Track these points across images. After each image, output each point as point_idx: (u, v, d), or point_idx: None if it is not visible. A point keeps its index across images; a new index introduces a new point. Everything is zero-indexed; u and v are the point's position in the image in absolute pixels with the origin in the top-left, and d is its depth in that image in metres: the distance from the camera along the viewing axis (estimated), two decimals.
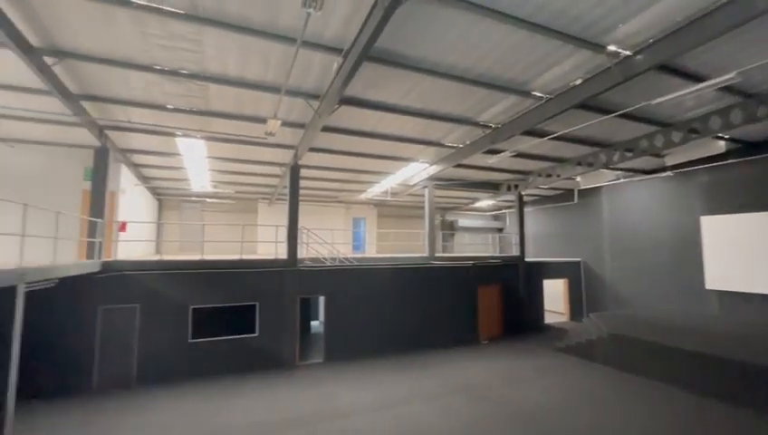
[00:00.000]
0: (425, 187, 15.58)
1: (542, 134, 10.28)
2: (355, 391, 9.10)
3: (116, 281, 9.62)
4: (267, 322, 11.04)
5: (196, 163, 12.83)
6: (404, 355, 12.08)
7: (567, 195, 19.60)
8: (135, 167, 13.61)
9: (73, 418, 7.66)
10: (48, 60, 6.39)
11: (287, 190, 12.41)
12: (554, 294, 18.55)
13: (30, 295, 6.28)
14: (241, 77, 7.37)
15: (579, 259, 18.60)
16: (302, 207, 12.79)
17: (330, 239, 14.31)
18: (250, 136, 10.13)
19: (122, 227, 11.58)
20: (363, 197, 19.66)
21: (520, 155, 12.15)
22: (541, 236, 21.88)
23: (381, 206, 23.75)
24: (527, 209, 21.55)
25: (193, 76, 7.26)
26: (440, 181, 15.64)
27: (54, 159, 11.10)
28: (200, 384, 9.54)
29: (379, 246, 23.49)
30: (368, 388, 9.27)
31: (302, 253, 12.57)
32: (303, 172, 13.30)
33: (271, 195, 19.37)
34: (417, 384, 9.51)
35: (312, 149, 11.21)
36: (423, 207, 16.44)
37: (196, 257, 11.06)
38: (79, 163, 11.14)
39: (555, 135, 10.08)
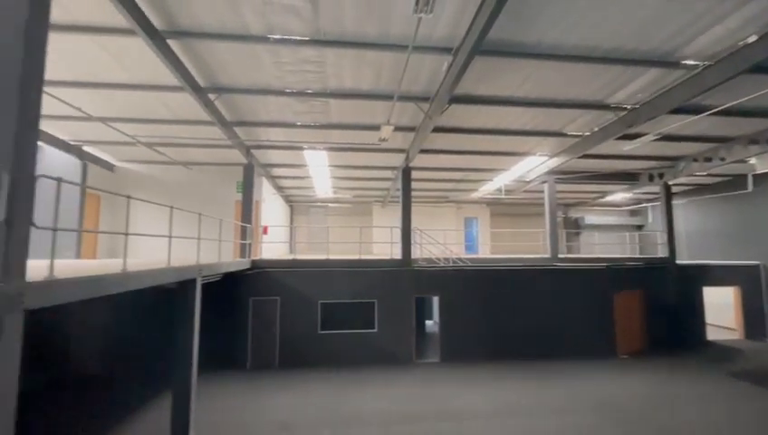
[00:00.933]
0: (544, 182, 14.35)
1: (696, 110, 8.48)
2: (474, 394, 8.88)
3: (261, 277, 11.32)
4: (385, 319, 11.60)
5: (320, 172, 14.27)
6: (524, 362, 11.31)
7: (736, 182, 15.71)
8: (272, 178, 15.83)
9: (234, 388, 9.28)
10: (211, 96, 7.90)
11: (399, 192, 12.86)
12: (720, 305, 15.06)
13: (203, 287, 7.83)
14: (356, 89, 7.92)
15: (758, 262, 14.75)
16: (414, 208, 13.08)
17: (442, 240, 14.30)
18: (365, 143, 10.81)
19: (265, 230, 13.58)
20: (475, 196, 19.12)
21: (666, 138, 10.25)
22: (696, 234, 18.05)
23: (495, 204, 22.73)
24: (676, 202, 17.99)
25: (316, 94, 8.09)
26: (562, 175, 14.21)
27: (215, 176, 13.64)
28: (329, 372, 10.53)
29: (494, 246, 22.50)
30: (487, 392, 8.96)
31: (416, 253, 12.84)
32: (414, 174, 13.60)
33: (384, 197, 20.32)
34: (541, 395, 8.79)
35: (423, 151, 11.38)
36: (542, 205, 15.14)
37: (322, 257, 12.27)
38: (232, 179, 13.45)
39: (717, 110, 8.21)
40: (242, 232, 11.58)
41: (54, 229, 3.63)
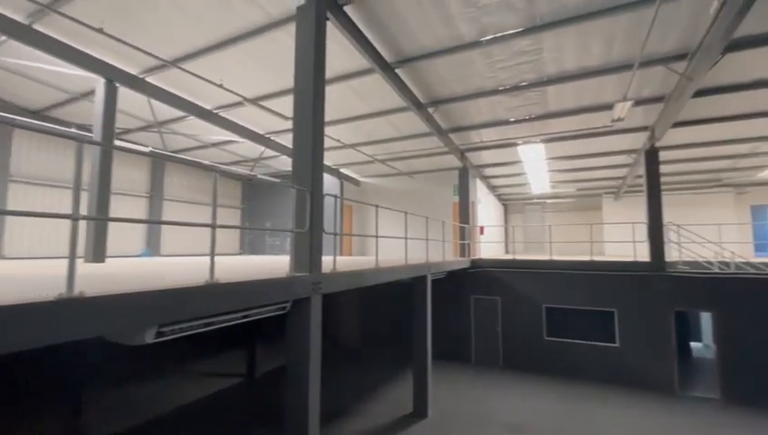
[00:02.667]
0: None
1: None
2: None
3: (481, 276, 11.55)
4: (630, 333, 9.67)
5: (536, 167, 13.35)
6: None
7: None
8: (485, 179, 15.95)
9: (462, 380, 9.80)
10: (430, 109, 8.69)
11: (639, 181, 10.49)
12: None
13: (432, 283, 8.66)
14: (580, 68, 6.99)
15: None
16: (667, 199, 10.36)
17: (716, 238, 10.74)
18: (591, 128, 9.41)
19: (481, 230, 13.83)
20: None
21: None
22: None
23: None
24: None
25: (531, 85, 7.62)
26: None
27: (434, 181, 14.88)
28: (558, 382, 9.65)
29: None
30: None
31: (672, 254, 10.15)
32: (663, 155, 10.81)
33: (618, 188, 17.08)
34: None
35: (677, 124, 8.90)
36: None
37: (545, 257, 11.41)
38: (450, 183, 14.34)
39: None
40: (460, 232, 12.17)
41: (335, 234, 4.82)
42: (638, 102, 7.89)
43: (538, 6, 5.36)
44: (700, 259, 9.96)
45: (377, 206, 5.96)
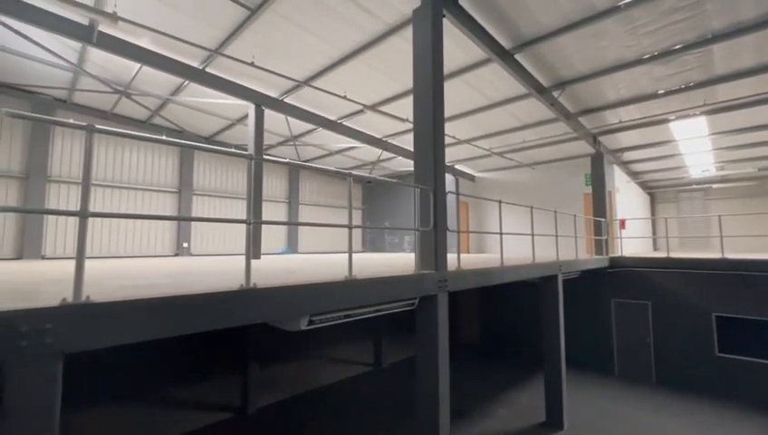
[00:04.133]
0: None
1: None
2: None
3: (624, 276, 10.04)
4: None
5: (695, 145, 11.00)
6: None
7: None
8: (624, 165, 13.80)
9: (603, 393, 8.67)
10: (555, 93, 7.91)
11: None
12: None
13: (563, 284, 7.88)
14: (763, 15, 5.48)
15: None
16: None
17: None
18: None
19: (622, 224, 12.01)
20: None
21: None
22: None
23: None
24: None
25: (689, 47, 6.29)
26: None
27: (559, 172, 13.52)
28: (736, 409, 7.76)
29: None
30: None
31: None
32: None
33: None
34: None
35: None
36: None
37: (714, 256, 9.31)
38: (579, 171, 12.85)
39: None
40: (595, 227, 10.79)
41: (458, 232, 4.78)
42: None
43: None
44: None
45: (500, 201, 5.70)
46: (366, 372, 10.63)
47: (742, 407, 7.93)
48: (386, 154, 12.36)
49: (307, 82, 7.69)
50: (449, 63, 6.87)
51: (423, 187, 4.36)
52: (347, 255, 3.66)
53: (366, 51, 6.56)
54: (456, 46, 6.24)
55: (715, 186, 16.92)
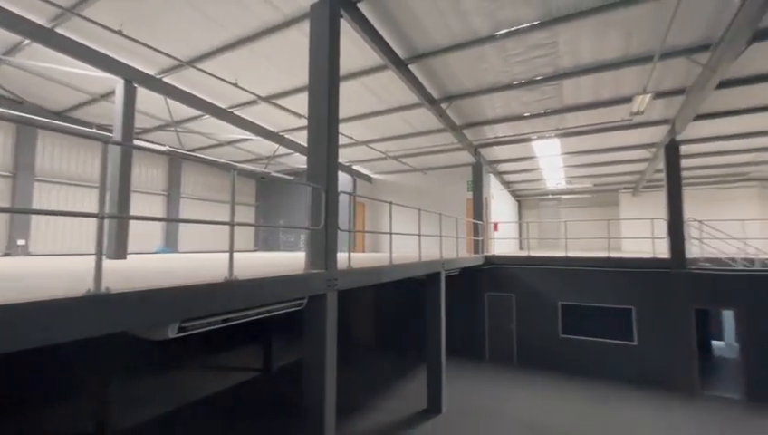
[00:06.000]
0: None
1: None
2: None
3: (495, 273, 11.46)
4: (648, 331, 9.49)
5: (551, 162, 13.15)
6: None
7: None
8: (499, 174, 15.77)
9: (476, 376, 9.77)
10: (443, 105, 8.62)
11: (659, 175, 10.23)
12: None
13: (445, 279, 8.63)
14: (598, 61, 6.84)
15: None
16: (688, 194, 10.08)
17: (739, 234, 10.41)
18: (609, 121, 9.22)
19: (495, 226, 13.70)
20: None
21: None
22: None
23: None
24: None
25: (546, 79, 7.48)
26: None
27: (447, 177, 14.78)
28: (574, 380, 9.54)
29: None
30: None
31: (693, 251, 9.89)
32: (684, 149, 10.51)
33: (636, 183, 16.69)
34: None
35: (699, 117, 8.65)
36: None
37: (561, 254, 11.25)
38: (463, 179, 14.23)
39: None
40: (474, 229, 12.09)
41: (350, 231, 4.84)
42: (657, 95, 7.68)
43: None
44: (722, 256, 9.67)
45: (390, 202, 5.97)
46: (254, 378, 10.06)
47: (581, 377, 9.77)
48: (283, 149, 11.89)
49: (191, 62, 6.92)
50: (348, 64, 6.94)
51: (315, 185, 4.31)
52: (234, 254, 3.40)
53: (261, 39, 6.19)
54: (355, 47, 6.32)
55: (564, 196, 20.51)
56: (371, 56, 6.56)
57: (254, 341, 10.35)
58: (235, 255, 3.36)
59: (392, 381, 9.59)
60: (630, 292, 9.76)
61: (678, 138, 9.80)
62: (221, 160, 12.48)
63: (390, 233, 5.87)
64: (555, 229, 20.53)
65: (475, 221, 12.07)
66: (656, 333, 9.40)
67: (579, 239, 17.31)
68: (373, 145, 11.65)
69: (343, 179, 14.36)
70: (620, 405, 8.14)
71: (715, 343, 12.97)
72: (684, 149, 10.41)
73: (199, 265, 5.51)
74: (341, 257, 4.96)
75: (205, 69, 7.10)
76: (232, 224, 3.28)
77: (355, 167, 14.97)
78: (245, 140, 11.36)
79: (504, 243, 16.58)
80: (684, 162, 10.71)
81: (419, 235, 6.92)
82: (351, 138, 10.84)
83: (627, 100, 7.91)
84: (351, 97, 8.38)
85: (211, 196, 14.35)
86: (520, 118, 9.52)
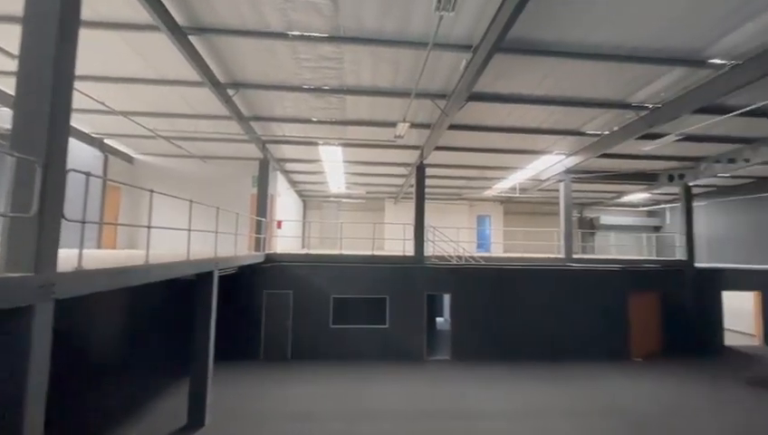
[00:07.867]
0: (560, 181, 14.15)
1: (721, 110, 8.24)
2: (485, 393, 8.88)
3: (275, 270, 11.46)
4: (396, 315, 11.64)
5: (334, 167, 14.31)
6: (536, 362, 11.24)
7: (761, 184, 15.28)
8: (286, 173, 15.95)
9: (248, 378, 9.46)
10: (230, 91, 7.99)
11: (413, 189, 12.84)
12: (739, 310, 14.74)
13: (220, 279, 7.97)
14: (374, 86, 7.91)
15: None
16: (428, 206, 13.04)
17: (455, 237, 14.25)
18: (380, 140, 10.82)
19: (278, 224, 13.72)
20: (489, 193, 18.97)
21: (688, 138, 10.00)
22: (716, 237, 17.61)
23: (508, 202, 22.53)
24: (696, 204, 17.50)
25: (333, 91, 8.10)
26: (578, 174, 13.98)
27: (231, 170, 13.78)
28: (341, 365, 10.65)
29: (506, 245, 22.31)
30: (498, 392, 8.94)
31: (429, 250, 12.83)
32: (428, 171, 13.54)
33: (397, 194, 20.30)
34: (553, 396, 8.74)
35: (438, 148, 11.32)
36: (557, 204, 14.96)
37: (335, 252, 12.35)
38: (248, 173, 13.58)
39: (743, 110, 7.96)
40: (257, 226, 11.73)
41: (83, 222, 3.74)
42: (413, 125, 9.56)
43: (342, 18, 5.73)
44: (445, 254, 12.98)
45: (151, 191, 5.00)
46: None
47: (346, 361, 10.93)
48: None
49: None
50: (101, 8, 5.44)
51: (23, 156, 3.10)
52: None
53: None
54: None
55: (344, 200, 22.76)
56: (139, 10, 5.35)
57: None
58: None
59: (148, 402, 8.06)
60: (386, 283, 11.73)
61: (425, 161, 12.55)
62: None
63: (149, 227, 4.91)
64: (335, 229, 22.48)
65: (259, 218, 11.74)
66: (401, 315, 11.65)
67: (353, 239, 19.58)
68: (137, 119, 9.56)
69: (88, 154, 11.15)
70: (374, 379, 9.63)
71: (438, 319, 17.28)
72: (428, 171, 13.42)
73: None
74: (68, 255, 3.77)
75: None
76: None
77: (108, 141, 11.89)
78: None
79: (289, 241, 16.85)
80: (427, 181, 13.79)
81: (189, 229, 6.11)
82: (104, 103, 8.54)
83: (393, 124, 9.49)
84: (107, 51, 6.62)
85: None
86: (308, 121, 9.92)
